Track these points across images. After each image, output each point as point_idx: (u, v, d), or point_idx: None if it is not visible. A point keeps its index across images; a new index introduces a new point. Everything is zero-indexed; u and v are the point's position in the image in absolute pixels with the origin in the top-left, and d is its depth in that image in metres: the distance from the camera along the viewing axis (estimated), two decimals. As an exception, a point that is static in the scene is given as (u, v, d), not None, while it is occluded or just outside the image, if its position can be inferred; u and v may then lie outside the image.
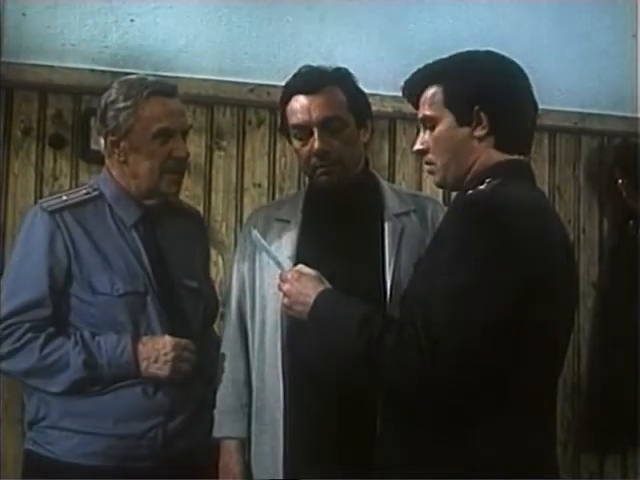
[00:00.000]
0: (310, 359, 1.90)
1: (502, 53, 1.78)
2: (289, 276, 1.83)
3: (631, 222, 3.40)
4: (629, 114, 3.38)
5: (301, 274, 1.82)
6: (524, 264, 1.56)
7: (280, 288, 1.86)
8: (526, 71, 1.78)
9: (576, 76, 3.38)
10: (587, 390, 3.40)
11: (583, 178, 3.47)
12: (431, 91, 1.76)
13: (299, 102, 2.09)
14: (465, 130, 1.72)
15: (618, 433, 3.27)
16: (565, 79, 3.34)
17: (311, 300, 1.75)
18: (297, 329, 1.98)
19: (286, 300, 1.83)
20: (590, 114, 3.40)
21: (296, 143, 2.13)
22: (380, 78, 3.00)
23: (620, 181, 3.39)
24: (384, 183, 2.25)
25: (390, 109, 3.02)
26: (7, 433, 2.76)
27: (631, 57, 3.37)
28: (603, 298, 3.44)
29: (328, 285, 1.80)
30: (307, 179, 2.28)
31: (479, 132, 1.71)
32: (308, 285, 1.79)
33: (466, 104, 1.71)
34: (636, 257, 3.28)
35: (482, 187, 1.69)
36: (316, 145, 2.06)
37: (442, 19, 3.18)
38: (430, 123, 1.76)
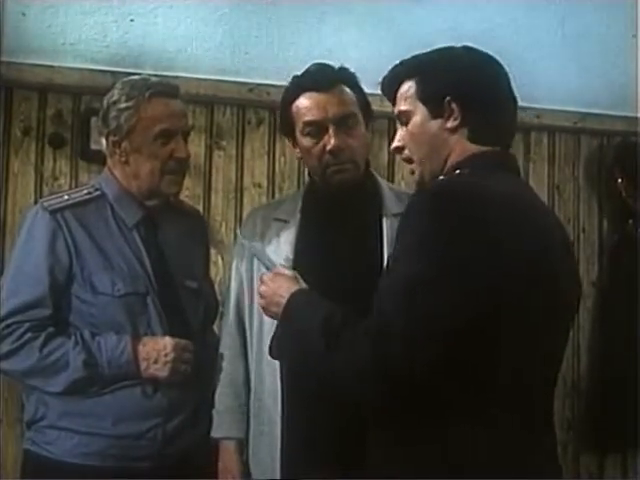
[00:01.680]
0: (287, 360, 1.90)
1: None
2: (265, 277, 1.82)
3: (630, 221, 3.40)
4: (629, 114, 3.38)
5: (276, 275, 1.81)
6: (485, 253, 1.50)
7: (258, 290, 1.85)
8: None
9: (576, 76, 3.38)
10: (587, 390, 3.40)
11: (583, 178, 3.47)
12: (406, 86, 1.75)
13: (312, 99, 2.08)
14: (438, 122, 1.70)
15: (618, 433, 3.27)
16: (565, 79, 3.34)
17: (284, 301, 1.72)
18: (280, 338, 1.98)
19: (262, 301, 1.81)
20: (590, 114, 3.40)
21: (307, 141, 2.10)
22: (380, 78, 2.99)
23: (620, 180, 3.39)
24: (383, 182, 2.25)
25: (390, 109, 3.00)
26: (7, 433, 2.76)
27: (631, 57, 3.37)
28: (603, 297, 3.44)
29: (303, 285, 1.77)
30: (306, 179, 2.27)
31: (451, 123, 1.69)
32: (283, 286, 1.76)
33: (437, 95, 1.69)
34: (636, 256, 3.29)
35: (445, 177, 1.68)
36: (332, 142, 2.06)
37: (442, 19, 3.17)
38: (405, 118, 1.75)
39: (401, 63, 1.79)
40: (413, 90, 1.73)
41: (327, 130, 2.06)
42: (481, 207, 1.55)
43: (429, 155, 1.73)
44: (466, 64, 1.72)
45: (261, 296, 1.81)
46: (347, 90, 2.11)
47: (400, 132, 1.78)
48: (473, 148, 1.70)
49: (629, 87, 3.36)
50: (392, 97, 1.80)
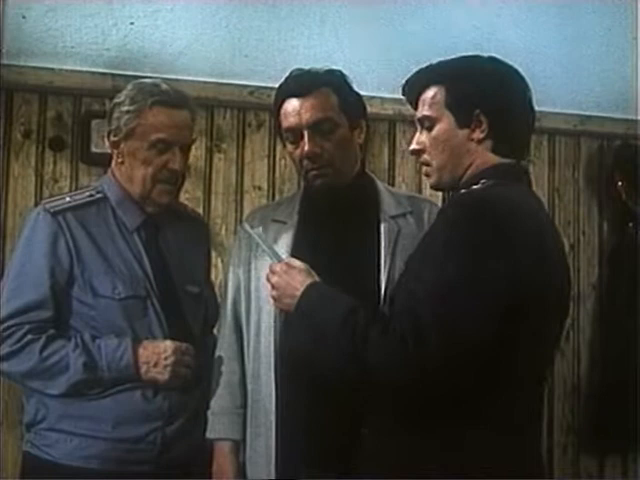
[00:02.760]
0: (297, 353, 1.90)
1: (503, 57, 1.79)
2: (278, 268, 1.82)
3: (631, 224, 3.40)
4: (629, 116, 3.39)
5: (290, 266, 1.81)
6: (513, 263, 1.56)
7: (268, 280, 1.85)
8: (526, 73, 1.79)
9: (576, 78, 3.38)
10: (587, 391, 3.41)
11: (583, 180, 3.48)
12: (432, 91, 1.76)
13: (290, 105, 2.09)
14: (464, 132, 1.73)
15: (618, 434, 3.27)
16: (565, 81, 3.35)
17: (299, 293, 1.74)
18: (291, 330, 1.98)
19: (274, 292, 1.82)
20: (590, 116, 3.41)
21: (289, 146, 2.13)
22: (380, 80, 3.00)
23: (620, 183, 3.40)
24: (380, 185, 2.24)
25: (390, 111, 3.02)
26: (7, 435, 2.76)
27: (631, 59, 3.38)
28: (603, 300, 3.44)
29: (317, 278, 1.79)
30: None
31: (478, 135, 1.72)
32: (297, 278, 1.78)
33: (467, 106, 1.72)
34: (636, 259, 3.29)
35: (475, 187, 1.70)
36: (306, 148, 2.06)
37: (442, 21, 3.18)
38: (429, 123, 1.77)
39: (427, 67, 1.80)
40: (440, 97, 1.75)
41: (303, 135, 2.07)
42: (509, 218, 1.60)
43: (450, 162, 1.76)
44: (494, 76, 1.75)
45: (273, 287, 1.82)
46: (328, 93, 2.10)
47: (420, 136, 1.80)
48: (495, 159, 1.74)
49: (629, 90, 3.37)
50: (414, 101, 1.81)
